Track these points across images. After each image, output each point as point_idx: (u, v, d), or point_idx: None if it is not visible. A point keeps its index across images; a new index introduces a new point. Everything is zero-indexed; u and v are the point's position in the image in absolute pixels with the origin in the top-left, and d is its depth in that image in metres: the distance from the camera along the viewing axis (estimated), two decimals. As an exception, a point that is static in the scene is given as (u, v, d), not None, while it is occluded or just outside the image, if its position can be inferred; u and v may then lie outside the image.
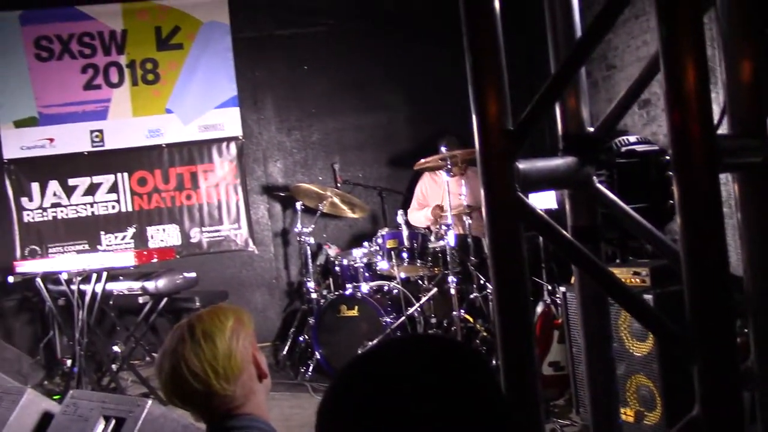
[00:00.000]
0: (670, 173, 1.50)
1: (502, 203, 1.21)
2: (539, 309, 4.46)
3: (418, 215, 6.18)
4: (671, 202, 1.50)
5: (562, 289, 3.97)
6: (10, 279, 5.52)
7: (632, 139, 1.53)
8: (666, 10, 1.07)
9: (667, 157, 1.50)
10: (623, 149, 1.49)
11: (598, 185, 1.43)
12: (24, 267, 5.48)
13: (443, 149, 5.80)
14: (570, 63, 1.27)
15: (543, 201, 4.32)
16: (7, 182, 6.53)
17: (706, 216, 1.05)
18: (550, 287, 4.64)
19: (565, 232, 1.27)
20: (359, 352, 1.03)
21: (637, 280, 3.50)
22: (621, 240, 1.54)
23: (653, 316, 1.24)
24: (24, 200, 6.57)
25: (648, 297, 3.34)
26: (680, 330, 1.13)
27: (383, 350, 1.04)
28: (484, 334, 5.09)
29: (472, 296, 5.31)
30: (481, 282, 5.22)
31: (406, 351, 0.99)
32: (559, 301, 4.16)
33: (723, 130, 1.42)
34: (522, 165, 1.25)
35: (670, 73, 1.07)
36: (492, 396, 0.96)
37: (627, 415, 3.48)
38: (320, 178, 6.92)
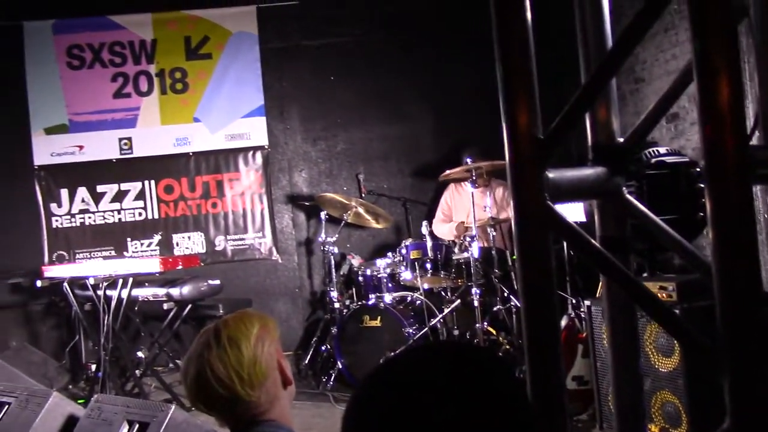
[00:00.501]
0: (701, 185, 1.50)
1: (532, 212, 1.21)
2: (563, 322, 4.43)
3: (443, 228, 6.18)
4: (701, 214, 1.48)
5: (587, 302, 3.94)
6: (38, 283, 5.59)
7: (662, 150, 1.52)
8: (700, 23, 1.07)
9: (698, 169, 1.49)
10: (653, 160, 1.48)
11: (628, 196, 1.42)
12: (52, 272, 5.54)
13: (468, 160, 5.80)
14: (601, 73, 1.27)
15: (572, 213, 4.30)
16: (37, 188, 6.63)
17: (738, 227, 1.04)
18: (574, 301, 4.61)
19: (594, 242, 1.26)
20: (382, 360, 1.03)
21: (664, 294, 3.46)
22: (649, 252, 1.52)
23: (683, 327, 1.23)
24: (53, 206, 6.66)
25: (676, 311, 3.30)
26: (710, 342, 1.12)
27: (407, 357, 1.04)
28: (507, 346, 5.06)
29: (495, 309, 5.29)
30: (505, 294, 5.20)
31: (431, 358, 0.99)
32: (583, 315, 4.13)
33: (755, 141, 1.40)
34: (552, 174, 1.25)
35: (704, 85, 1.06)
36: (517, 403, 0.95)
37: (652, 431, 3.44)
38: (345, 188, 6.95)
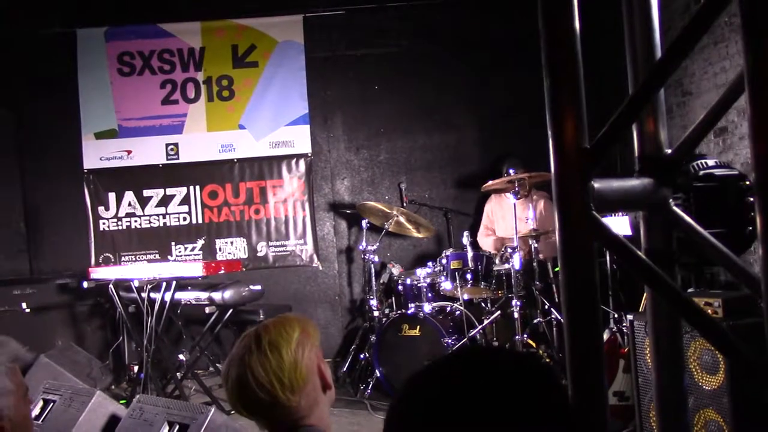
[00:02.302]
0: (750, 199, 1.47)
1: (577, 222, 1.20)
2: (605, 336, 4.37)
3: (486, 242, 6.16)
4: (750, 228, 1.46)
5: (630, 317, 3.88)
6: (85, 285, 5.72)
7: (710, 162, 1.49)
8: (754, 35, 1.05)
9: (747, 183, 1.46)
10: (701, 173, 1.46)
11: (675, 208, 1.40)
12: (98, 273, 5.66)
13: (511, 171, 5.77)
14: (649, 83, 1.25)
15: (618, 227, 4.25)
16: (86, 191, 6.79)
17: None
18: (616, 315, 4.55)
19: (640, 254, 1.25)
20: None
21: (710, 310, 3.39)
22: (696, 265, 1.50)
23: (731, 342, 1.20)
24: (101, 209, 6.81)
25: (721, 329, 3.23)
26: (758, 357, 1.10)
27: (452, 360, 1.04)
28: (547, 360, 5.01)
29: (535, 321, 5.25)
30: (546, 307, 5.15)
31: (476, 362, 0.99)
32: (625, 330, 4.07)
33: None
34: (597, 184, 1.24)
35: (756, 99, 1.04)
36: (559, 412, 0.95)
37: (695, 450, 3.37)
38: (386, 197, 6.97)
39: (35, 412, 3.44)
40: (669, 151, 1.46)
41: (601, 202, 1.25)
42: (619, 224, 4.31)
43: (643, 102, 1.26)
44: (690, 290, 3.80)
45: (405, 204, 6.60)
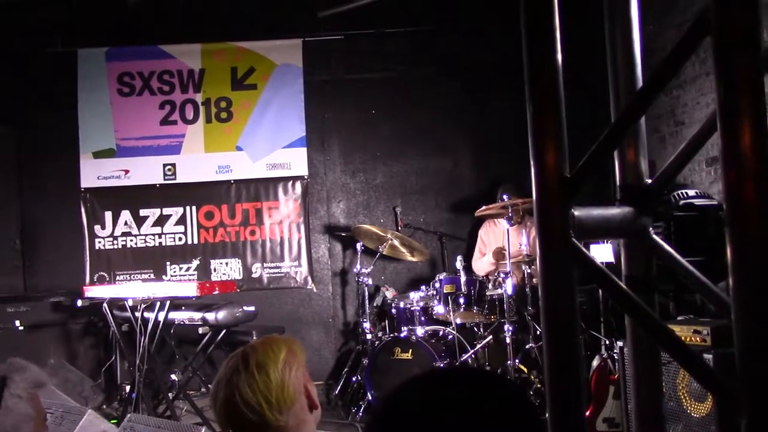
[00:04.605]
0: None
1: (557, 248, 1.23)
2: (595, 363, 4.38)
3: (482, 263, 6.16)
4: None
5: (620, 343, 3.91)
6: (79, 303, 5.72)
7: (691, 192, 1.54)
8: (725, 70, 1.10)
9: (727, 213, 1.50)
10: (681, 202, 1.50)
11: (654, 236, 1.43)
12: (92, 292, 5.67)
13: (504, 197, 5.81)
14: (629, 112, 1.30)
15: (600, 254, 4.28)
16: (83, 210, 6.81)
17: (757, 269, 1.06)
18: (607, 341, 4.56)
19: (618, 281, 1.28)
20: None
21: (698, 338, 3.42)
22: (676, 292, 1.53)
23: (705, 369, 1.23)
24: (97, 228, 6.83)
25: (708, 357, 3.26)
26: (734, 385, 1.12)
27: (427, 379, 1.07)
28: (538, 385, 5.02)
29: (527, 346, 5.26)
30: (538, 332, 5.16)
31: (449, 381, 1.02)
32: (616, 356, 4.09)
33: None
34: (578, 212, 1.27)
35: (727, 130, 1.08)
36: (533, 425, 0.97)
37: (683, 478, 3.38)
38: (381, 220, 7.00)
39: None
40: (649, 180, 1.50)
41: (581, 230, 1.28)
42: (603, 252, 4.35)
43: (622, 132, 1.31)
44: (680, 318, 3.82)
45: (400, 228, 6.63)
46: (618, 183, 1.50)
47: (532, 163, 1.26)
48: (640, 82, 1.48)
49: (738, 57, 1.09)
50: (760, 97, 1.09)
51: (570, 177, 1.24)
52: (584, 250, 1.26)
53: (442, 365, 5.09)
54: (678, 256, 1.42)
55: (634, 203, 1.43)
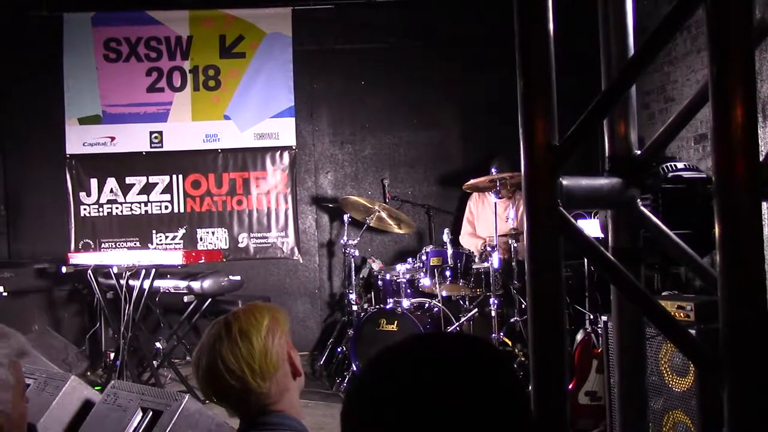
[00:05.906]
0: (716, 201, 1.50)
1: (544, 217, 1.22)
2: (579, 337, 4.41)
3: (469, 241, 6.16)
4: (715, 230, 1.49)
5: (604, 318, 3.93)
6: (63, 270, 5.69)
7: (680, 165, 1.53)
8: (718, 44, 1.08)
9: (715, 186, 1.49)
10: (670, 174, 1.49)
11: (642, 208, 1.43)
12: (77, 259, 5.64)
13: (494, 171, 5.80)
14: (620, 80, 1.28)
15: (588, 229, 4.29)
16: (68, 176, 6.75)
17: (745, 244, 1.05)
18: (592, 316, 4.59)
19: (605, 251, 1.27)
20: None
21: (682, 314, 3.44)
22: (662, 265, 1.53)
23: (690, 340, 1.23)
24: (82, 195, 6.78)
25: (691, 332, 3.28)
26: (717, 356, 1.12)
27: (409, 346, 1.06)
28: (522, 359, 5.05)
29: (512, 320, 5.29)
30: (523, 306, 5.19)
31: (431, 348, 1.01)
32: (600, 331, 4.11)
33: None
34: (566, 181, 1.26)
35: (718, 106, 1.07)
36: (514, 398, 0.97)
37: (663, 451, 3.42)
38: (369, 192, 6.98)
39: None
40: (638, 152, 1.49)
41: (569, 199, 1.27)
42: (590, 226, 4.36)
43: (613, 101, 1.29)
44: (664, 293, 3.84)
45: (387, 200, 6.62)
46: (607, 154, 1.49)
47: (521, 130, 1.25)
48: (631, 51, 1.46)
49: (733, 31, 1.08)
50: (752, 72, 1.08)
51: (559, 145, 1.23)
52: (571, 219, 1.25)
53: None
54: (665, 229, 1.42)
55: (623, 174, 1.42)
